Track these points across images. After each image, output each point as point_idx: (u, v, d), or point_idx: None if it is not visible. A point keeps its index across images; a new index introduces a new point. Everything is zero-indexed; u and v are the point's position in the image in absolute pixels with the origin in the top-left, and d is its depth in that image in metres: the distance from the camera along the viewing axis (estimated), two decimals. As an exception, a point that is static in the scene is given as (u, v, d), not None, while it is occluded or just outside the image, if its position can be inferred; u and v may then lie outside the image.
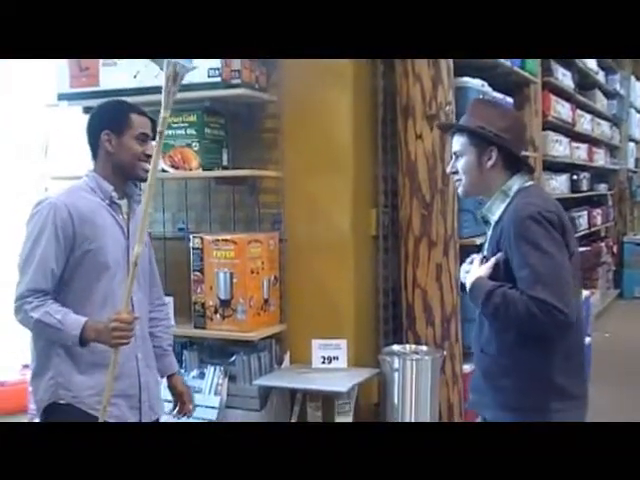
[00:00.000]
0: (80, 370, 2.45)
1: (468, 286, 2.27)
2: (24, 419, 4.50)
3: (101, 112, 2.62)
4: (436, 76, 3.79)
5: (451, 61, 3.85)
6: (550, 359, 2.20)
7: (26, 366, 4.75)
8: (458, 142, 2.36)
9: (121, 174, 2.55)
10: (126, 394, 2.49)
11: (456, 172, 2.37)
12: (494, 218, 2.31)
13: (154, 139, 2.49)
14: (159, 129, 2.31)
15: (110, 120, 2.54)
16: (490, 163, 2.30)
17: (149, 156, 2.56)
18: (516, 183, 2.31)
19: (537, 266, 2.09)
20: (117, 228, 2.53)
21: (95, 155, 2.58)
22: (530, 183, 2.34)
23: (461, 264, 3.85)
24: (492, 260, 2.24)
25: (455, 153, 2.38)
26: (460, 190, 2.40)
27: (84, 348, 2.40)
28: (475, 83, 4.19)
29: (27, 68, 4.63)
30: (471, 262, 2.37)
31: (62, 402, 2.46)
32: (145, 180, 2.57)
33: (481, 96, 4.17)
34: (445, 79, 3.82)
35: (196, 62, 3.46)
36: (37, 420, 3.53)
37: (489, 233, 2.36)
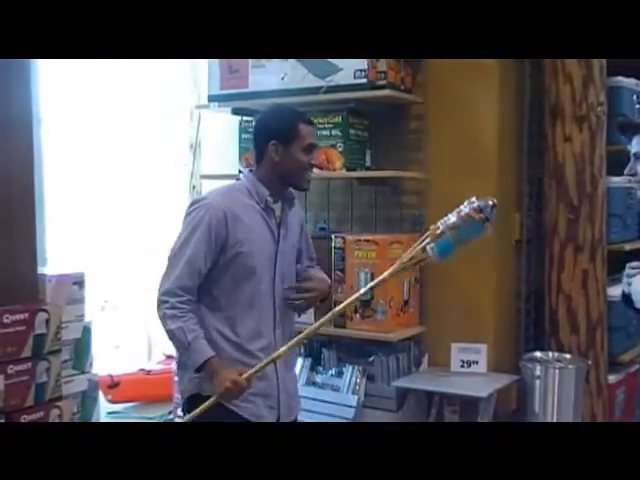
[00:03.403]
0: None
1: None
2: (169, 407, 4.69)
3: (270, 120, 2.60)
4: (587, 75, 3.67)
5: (604, 60, 3.72)
6: None
7: (169, 356, 4.96)
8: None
9: (284, 182, 2.56)
10: (264, 393, 2.53)
11: (635, 174, 2.27)
12: None
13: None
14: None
15: (279, 130, 2.52)
16: None
17: (313, 165, 2.59)
18: None
19: None
20: (268, 232, 2.56)
21: (259, 160, 2.59)
22: None
23: (610, 270, 3.76)
24: None
25: (635, 155, 2.26)
26: (639, 194, 2.30)
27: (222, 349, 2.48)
28: (629, 82, 4.02)
29: (178, 70, 4.82)
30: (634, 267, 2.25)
31: (205, 394, 2.50)
32: (307, 189, 2.64)
33: (635, 96, 4.00)
34: (597, 78, 3.69)
35: (342, 64, 3.57)
36: (180, 409, 3.68)
37: None
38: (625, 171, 2.33)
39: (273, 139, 2.51)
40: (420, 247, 2.32)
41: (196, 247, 2.45)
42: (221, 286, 2.51)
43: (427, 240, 2.30)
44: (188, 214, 2.53)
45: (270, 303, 2.55)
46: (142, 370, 5.27)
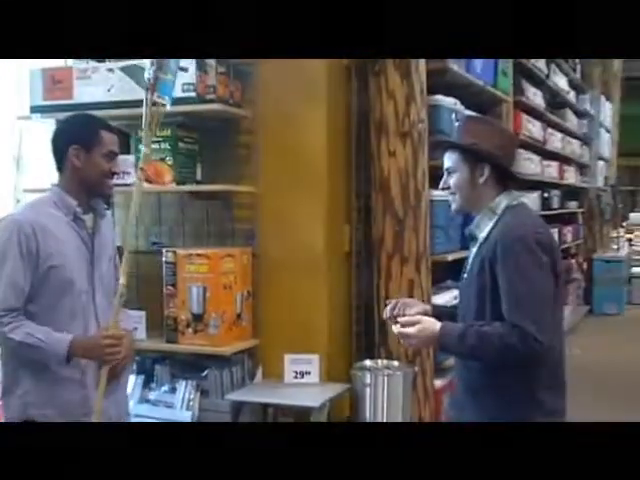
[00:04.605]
0: (48, 387, 2.43)
1: (437, 338, 2.22)
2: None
3: (70, 126, 2.60)
4: (409, 94, 3.83)
5: (424, 79, 3.90)
6: (533, 376, 2.20)
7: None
8: (450, 159, 2.36)
9: (86, 190, 2.53)
10: (93, 411, 2.46)
11: (448, 188, 2.39)
12: (482, 235, 2.30)
13: (124, 154, 2.53)
14: (140, 165, 2.36)
15: (79, 135, 2.51)
16: (482, 180, 2.30)
17: (115, 173, 2.57)
18: (504, 201, 2.30)
19: (520, 292, 2.11)
20: (80, 243, 2.51)
21: (60, 168, 2.55)
22: (518, 202, 2.33)
23: (434, 280, 3.94)
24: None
25: (447, 170, 2.37)
26: (453, 206, 2.41)
27: (54, 366, 2.40)
28: (448, 101, 4.24)
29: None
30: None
31: (37, 420, 2.42)
32: (110, 197, 2.65)
33: (454, 115, 4.22)
34: (418, 97, 3.86)
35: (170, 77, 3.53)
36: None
37: (474, 250, 2.35)
38: (440, 185, 2.45)
39: (74, 144, 2.48)
40: (150, 105, 2.40)
41: (13, 267, 2.38)
42: (40, 302, 2.44)
43: (149, 96, 2.39)
44: None
45: (92, 314, 2.51)
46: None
